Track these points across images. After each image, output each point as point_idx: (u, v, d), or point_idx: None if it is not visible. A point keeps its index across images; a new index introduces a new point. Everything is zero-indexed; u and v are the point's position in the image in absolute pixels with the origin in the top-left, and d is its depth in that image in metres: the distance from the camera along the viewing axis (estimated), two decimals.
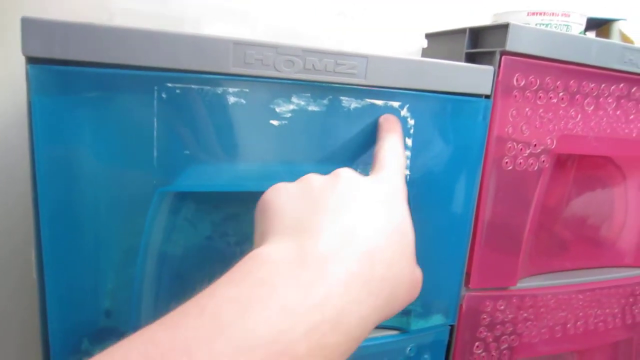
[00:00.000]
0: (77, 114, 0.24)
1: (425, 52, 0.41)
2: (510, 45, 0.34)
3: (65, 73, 0.24)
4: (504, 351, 0.42)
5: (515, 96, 0.36)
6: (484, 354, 0.41)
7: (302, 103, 0.28)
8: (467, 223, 0.36)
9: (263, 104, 0.27)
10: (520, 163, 0.37)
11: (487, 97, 0.35)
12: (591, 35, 0.57)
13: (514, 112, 0.36)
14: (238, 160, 0.28)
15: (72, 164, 0.25)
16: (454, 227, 0.36)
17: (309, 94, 0.28)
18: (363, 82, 0.29)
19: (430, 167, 0.33)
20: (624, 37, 0.55)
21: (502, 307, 0.41)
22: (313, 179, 0.23)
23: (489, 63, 0.35)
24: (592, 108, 0.39)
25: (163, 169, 0.26)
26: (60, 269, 0.26)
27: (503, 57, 0.34)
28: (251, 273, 0.18)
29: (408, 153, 0.32)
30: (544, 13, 0.43)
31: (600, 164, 0.49)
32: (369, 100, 0.30)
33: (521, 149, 0.37)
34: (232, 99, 0.26)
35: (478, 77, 0.34)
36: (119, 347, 0.15)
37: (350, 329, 0.17)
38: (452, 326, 0.39)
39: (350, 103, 0.30)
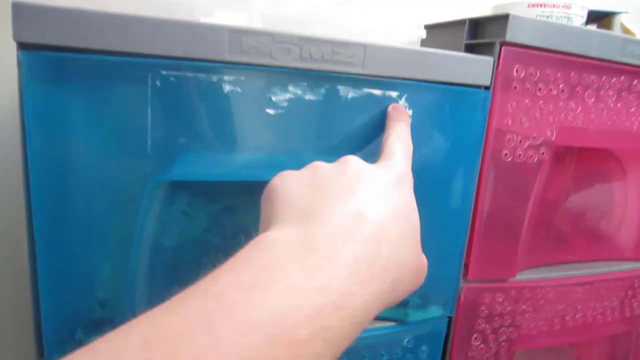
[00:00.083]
0: (69, 101, 0.24)
1: (424, 44, 0.41)
2: (510, 36, 0.34)
3: (58, 59, 0.23)
4: (502, 343, 0.42)
5: (515, 87, 0.35)
6: (482, 345, 0.41)
7: (299, 92, 0.28)
8: (466, 214, 0.36)
9: (259, 93, 0.27)
10: (520, 155, 0.37)
11: (487, 88, 0.34)
12: (592, 28, 0.57)
13: (513, 103, 0.36)
14: (233, 149, 0.27)
15: (64, 152, 0.25)
16: (453, 219, 0.36)
17: (306, 83, 0.28)
18: (361, 71, 0.29)
19: (429, 158, 0.33)
20: (625, 30, 0.55)
21: (501, 299, 0.40)
22: (320, 166, 0.23)
23: (489, 54, 0.34)
24: (592, 100, 0.39)
25: (157, 158, 0.26)
26: (53, 258, 0.26)
27: (503, 48, 0.34)
28: (256, 257, 0.18)
29: None
30: (545, 5, 0.42)
31: (600, 157, 0.48)
32: (366, 90, 0.30)
33: (520, 141, 0.37)
34: (227, 87, 0.26)
35: (477, 68, 0.33)
36: (119, 331, 0.15)
37: (353, 313, 0.17)
38: (450, 318, 0.39)
39: (348, 92, 0.29)
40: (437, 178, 0.34)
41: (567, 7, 0.42)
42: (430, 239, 0.36)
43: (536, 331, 0.43)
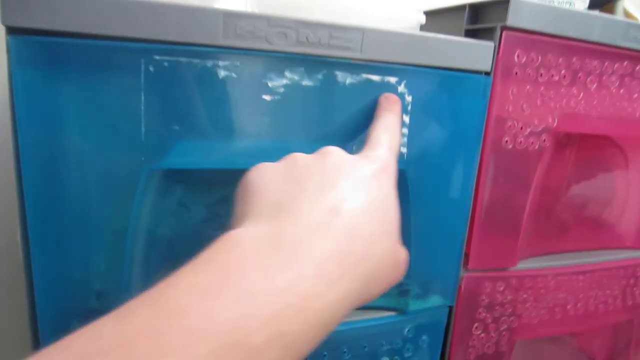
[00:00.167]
0: (60, 87, 0.23)
1: (423, 30, 0.40)
2: (511, 21, 0.33)
3: (48, 44, 0.23)
4: (503, 332, 0.42)
5: (516, 73, 0.35)
6: (482, 335, 0.41)
7: (296, 78, 0.27)
8: (466, 202, 0.36)
9: (255, 78, 0.26)
10: (521, 142, 0.37)
11: (487, 74, 0.34)
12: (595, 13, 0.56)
13: (514, 89, 0.35)
14: (229, 136, 0.27)
15: (56, 141, 0.24)
16: (453, 207, 0.35)
17: (303, 69, 0.27)
18: (359, 56, 0.28)
19: (428, 145, 0.33)
20: (628, 15, 0.54)
21: (502, 288, 0.40)
22: (298, 157, 0.22)
23: (490, 40, 0.34)
24: (594, 86, 0.38)
25: (152, 145, 0.25)
26: (48, 250, 0.26)
27: (504, 33, 0.33)
28: (216, 258, 0.17)
29: (405, 130, 0.31)
30: None
31: (602, 145, 0.48)
32: (365, 75, 0.29)
33: (521, 128, 0.36)
34: (222, 73, 0.26)
35: (478, 53, 0.33)
36: (60, 344, 0.14)
37: (317, 315, 0.16)
38: (450, 307, 0.38)
39: (346, 78, 0.29)
40: (437, 165, 0.33)
41: None
42: (431, 227, 0.35)
43: (537, 320, 0.43)
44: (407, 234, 0.34)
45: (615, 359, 0.54)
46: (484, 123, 0.35)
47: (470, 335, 0.40)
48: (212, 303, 0.15)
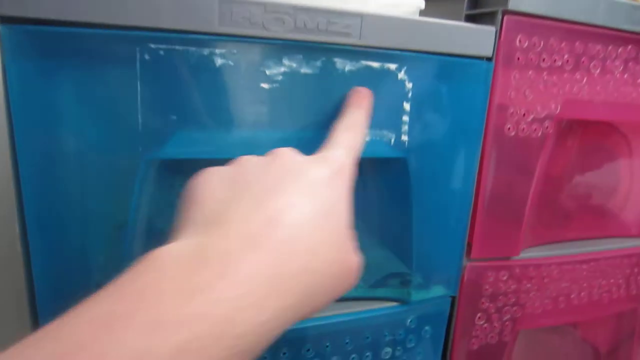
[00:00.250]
0: (55, 78, 0.23)
1: (422, 15, 0.39)
2: (512, 4, 0.32)
3: (41, 34, 0.22)
4: (507, 322, 0.41)
5: (518, 59, 0.34)
6: (486, 325, 0.41)
7: (294, 65, 0.27)
8: (468, 191, 0.35)
9: (253, 66, 0.26)
10: (523, 129, 0.36)
11: (489, 59, 0.33)
12: None
13: (516, 75, 0.34)
14: (227, 125, 0.26)
15: (53, 132, 0.24)
16: (455, 195, 0.35)
17: (301, 56, 0.27)
18: (358, 42, 0.28)
19: (430, 133, 0.32)
20: None
21: (505, 278, 0.40)
22: (246, 161, 0.21)
23: (491, 25, 0.33)
24: (598, 71, 0.37)
25: (149, 135, 0.25)
26: (47, 243, 0.25)
27: (505, 17, 0.33)
28: (137, 279, 0.15)
29: (406, 118, 0.31)
30: None
31: (605, 132, 0.47)
32: (364, 62, 0.29)
33: (524, 114, 0.36)
34: (219, 61, 0.25)
35: (479, 38, 0.32)
36: None
37: (240, 339, 0.15)
38: (453, 297, 0.38)
39: (345, 65, 0.28)
40: (438, 153, 0.33)
41: None
42: (432, 216, 0.35)
43: (541, 310, 0.43)
44: (409, 223, 0.33)
45: (619, 348, 0.53)
46: (486, 110, 0.34)
47: (473, 325, 0.40)
48: (117, 335, 0.13)
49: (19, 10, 0.22)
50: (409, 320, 0.36)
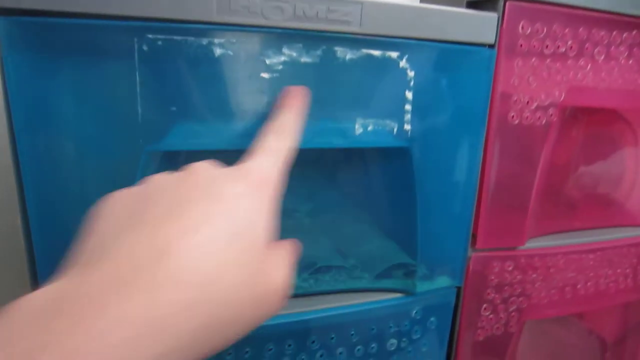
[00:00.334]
0: (53, 70, 0.23)
1: (423, 2, 0.39)
2: None
3: (37, 25, 0.22)
4: (513, 313, 0.41)
5: (521, 45, 0.34)
6: (491, 316, 0.40)
7: (294, 54, 0.27)
8: (473, 180, 0.35)
9: (252, 56, 0.26)
10: (527, 117, 0.36)
11: (491, 46, 0.33)
12: None
13: (519, 62, 0.34)
14: (228, 116, 0.26)
15: (52, 125, 0.24)
16: (459, 185, 0.34)
17: (301, 45, 0.27)
18: (358, 30, 0.27)
19: (432, 122, 0.32)
20: None
21: (510, 268, 0.40)
22: (154, 182, 0.19)
23: (493, 11, 0.33)
24: (602, 57, 0.37)
25: (149, 127, 0.25)
26: (49, 239, 0.25)
27: (507, 3, 0.32)
28: None
29: (408, 107, 0.31)
30: None
31: (610, 120, 0.47)
32: (365, 50, 0.28)
33: (528, 102, 0.35)
34: (218, 51, 0.25)
35: (481, 25, 0.32)
36: None
37: None
38: (458, 288, 0.38)
39: (346, 54, 0.28)
40: (441, 143, 0.33)
41: None
42: (436, 206, 0.35)
43: (547, 300, 0.43)
44: (413, 213, 0.33)
45: (626, 339, 0.53)
46: (489, 98, 0.34)
47: (479, 316, 0.40)
48: None
49: (15, 1, 0.21)
50: (414, 312, 0.36)
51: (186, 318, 0.15)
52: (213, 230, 0.17)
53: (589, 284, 0.44)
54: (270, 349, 0.31)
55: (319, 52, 0.27)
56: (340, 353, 0.33)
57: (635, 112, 0.46)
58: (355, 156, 0.37)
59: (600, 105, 0.39)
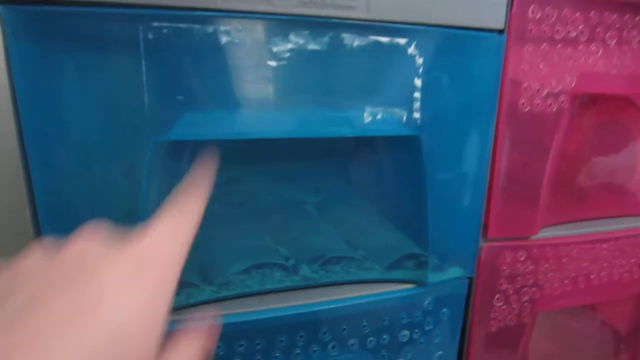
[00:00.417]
0: (58, 59, 0.23)
1: None
2: None
3: (42, 13, 0.22)
4: (525, 303, 0.40)
5: (531, 30, 0.33)
6: (504, 306, 0.40)
7: (301, 42, 0.26)
8: (483, 169, 0.34)
9: (259, 43, 0.25)
10: (538, 104, 0.35)
11: (501, 32, 0.32)
12: None
13: (529, 48, 0.33)
14: (235, 105, 0.26)
15: (57, 115, 0.24)
16: (469, 174, 0.34)
17: (308, 32, 0.26)
18: (364, 16, 0.27)
19: (442, 110, 0.31)
20: None
21: (522, 258, 0.39)
22: (23, 269, 0.15)
23: None
24: (614, 42, 0.36)
25: (156, 117, 0.24)
26: (57, 228, 0.25)
27: None
28: None
29: (417, 95, 0.30)
30: None
31: (622, 108, 0.46)
32: (372, 37, 0.28)
33: (538, 89, 0.35)
34: (224, 38, 0.25)
35: (490, 10, 0.31)
36: None
37: None
38: (470, 279, 0.37)
39: (353, 40, 0.27)
40: (451, 131, 0.32)
41: None
42: (447, 197, 0.34)
43: (560, 291, 0.42)
44: (424, 203, 0.33)
45: None
46: (499, 85, 0.33)
47: (491, 307, 0.39)
48: None
49: None
50: (426, 302, 0.35)
51: None
52: (81, 331, 0.13)
53: (602, 274, 0.44)
54: (282, 341, 0.31)
55: (325, 39, 0.27)
56: (352, 344, 0.33)
57: None
58: (364, 146, 0.37)
59: (612, 91, 0.39)
